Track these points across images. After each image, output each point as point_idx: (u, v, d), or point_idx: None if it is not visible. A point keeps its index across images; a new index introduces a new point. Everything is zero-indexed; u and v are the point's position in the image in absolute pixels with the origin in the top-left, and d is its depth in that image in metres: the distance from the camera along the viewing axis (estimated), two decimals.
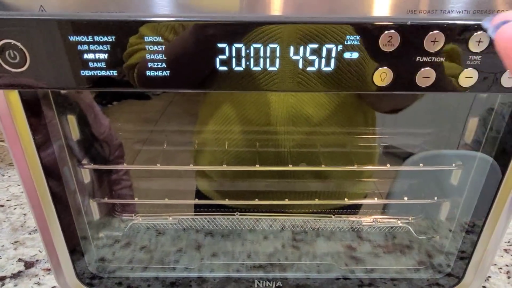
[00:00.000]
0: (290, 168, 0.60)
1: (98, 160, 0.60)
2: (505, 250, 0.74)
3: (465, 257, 0.56)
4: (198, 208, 0.69)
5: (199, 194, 0.73)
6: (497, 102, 0.47)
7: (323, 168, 0.59)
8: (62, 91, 0.47)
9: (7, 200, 0.88)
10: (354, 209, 0.68)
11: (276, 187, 0.66)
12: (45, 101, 0.44)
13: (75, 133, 0.52)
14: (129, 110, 0.65)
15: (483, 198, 0.51)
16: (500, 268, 0.70)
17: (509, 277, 0.68)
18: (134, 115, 0.66)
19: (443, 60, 0.34)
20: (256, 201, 0.62)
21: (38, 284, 0.66)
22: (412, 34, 0.34)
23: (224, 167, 0.62)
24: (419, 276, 0.61)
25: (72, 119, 0.51)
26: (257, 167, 0.59)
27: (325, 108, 0.61)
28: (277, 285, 0.58)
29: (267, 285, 0.58)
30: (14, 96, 0.40)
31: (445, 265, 0.60)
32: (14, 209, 0.85)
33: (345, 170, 0.64)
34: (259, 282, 0.58)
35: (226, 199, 0.65)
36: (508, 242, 0.76)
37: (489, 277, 0.67)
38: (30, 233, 0.78)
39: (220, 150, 0.67)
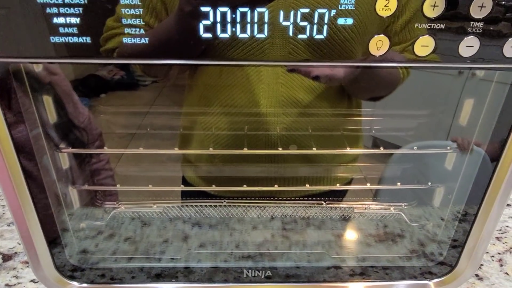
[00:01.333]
0: (280, 151, 0.58)
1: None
2: (497, 238, 0.73)
3: (457, 245, 0.55)
4: (184, 197, 0.67)
5: (186, 184, 0.71)
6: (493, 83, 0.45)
7: (314, 151, 0.58)
8: (36, 69, 0.44)
9: None
10: (345, 196, 0.66)
11: (265, 173, 0.64)
12: (18, 78, 0.41)
13: (51, 116, 0.49)
14: (116, 102, 0.63)
15: (477, 184, 0.50)
16: (493, 256, 0.69)
17: (501, 265, 0.67)
18: (122, 108, 0.63)
19: (444, 27, 0.32)
20: (245, 187, 0.60)
21: (16, 277, 0.63)
22: None
23: (211, 151, 0.59)
24: (411, 264, 0.60)
25: (48, 100, 0.48)
26: (245, 150, 0.56)
27: (315, 92, 0.60)
28: (266, 274, 0.57)
29: (256, 275, 0.56)
30: None
31: (438, 253, 0.59)
32: None
33: (337, 153, 0.63)
34: (248, 272, 0.56)
35: (213, 185, 0.63)
36: (500, 230, 0.75)
37: (482, 265, 0.67)
38: (8, 225, 0.75)
39: (207, 137, 0.65)
